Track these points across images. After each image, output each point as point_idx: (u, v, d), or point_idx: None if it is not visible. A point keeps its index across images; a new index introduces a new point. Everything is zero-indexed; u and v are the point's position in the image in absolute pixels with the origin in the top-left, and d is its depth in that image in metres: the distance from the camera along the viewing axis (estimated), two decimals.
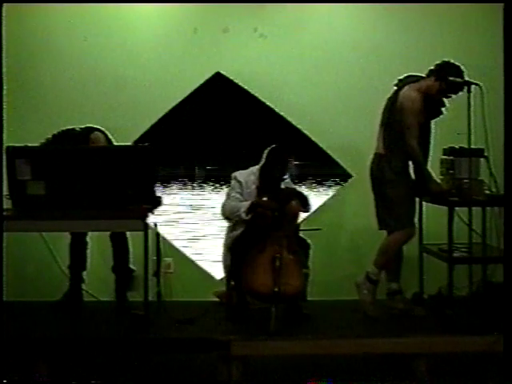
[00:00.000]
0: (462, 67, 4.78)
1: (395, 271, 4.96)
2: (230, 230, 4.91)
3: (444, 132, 5.08)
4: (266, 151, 4.86)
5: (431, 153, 5.08)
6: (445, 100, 4.93)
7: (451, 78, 4.75)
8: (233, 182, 4.91)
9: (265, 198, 4.67)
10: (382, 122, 4.98)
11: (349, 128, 5.61)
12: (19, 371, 4.14)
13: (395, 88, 4.96)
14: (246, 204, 4.73)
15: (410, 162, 4.92)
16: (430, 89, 4.84)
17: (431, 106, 4.89)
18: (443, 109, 4.95)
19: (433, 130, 5.03)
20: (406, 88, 4.88)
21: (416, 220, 5.02)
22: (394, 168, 4.87)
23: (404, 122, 4.80)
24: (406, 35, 5.71)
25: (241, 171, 4.96)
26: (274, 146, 4.85)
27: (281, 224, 4.60)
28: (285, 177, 4.83)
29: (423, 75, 4.93)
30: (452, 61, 4.80)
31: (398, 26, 5.73)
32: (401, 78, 5.00)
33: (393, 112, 4.89)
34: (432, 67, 4.88)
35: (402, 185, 4.86)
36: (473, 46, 5.66)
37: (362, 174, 5.08)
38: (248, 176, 4.90)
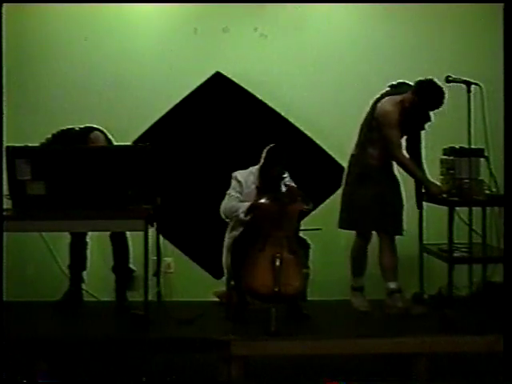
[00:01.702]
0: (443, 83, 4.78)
1: (391, 271, 4.96)
2: (230, 230, 4.91)
3: (444, 132, 5.08)
4: (264, 151, 4.86)
5: (430, 153, 5.11)
6: (431, 114, 4.93)
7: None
8: (233, 181, 4.91)
9: (263, 200, 4.66)
10: (360, 125, 5.03)
11: (349, 128, 5.59)
12: (19, 371, 4.15)
13: (378, 96, 4.98)
14: (246, 205, 4.73)
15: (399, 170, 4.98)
16: (407, 102, 4.86)
17: (411, 118, 4.89)
18: (428, 123, 4.96)
19: (432, 133, 5.05)
20: (385, 100, 4.93)
21: (414, 222, 5.05)
22: (354, 171, 4.98)
23: (384, 136, 4.86)
24: (405, 35, 5.71)
25: (240, 171, 4.96)
26: (272, 145, 4.84)
27: (281, 224, 4.59)
28: (284, 176, 4.82)
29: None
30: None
31: (397, 27, 5.73)
32: (395, 83, 5.02)
33: (369, 119, 4.95)
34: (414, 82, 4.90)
35: (362, 188, 4.92)
36: (473, 46, 5.67)
37: None
38: (248, 176, 4.91)
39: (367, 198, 4.90)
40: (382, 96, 4.97)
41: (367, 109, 5.07)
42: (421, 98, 4.79)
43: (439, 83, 4.78)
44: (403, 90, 4.94)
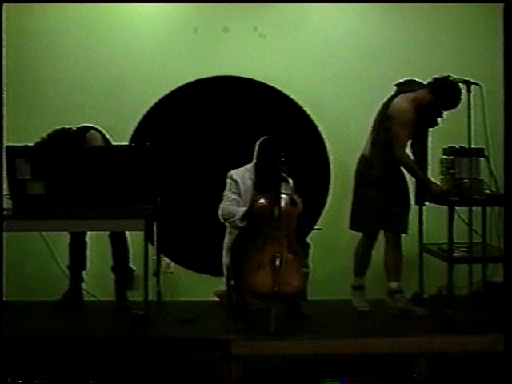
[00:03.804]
0: (460, 80, 4.74)
1: (395, 271, 4.96)
2: (230, 230, 4.91)
3: (444, 132, 5.08)
4: (256, 144, 4.86)
5: (431, 153, 5.11)
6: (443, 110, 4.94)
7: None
8: (229, 181, 4.90)
9: (262, 200, 4.65)
10: (373, 126, 5.01)
11: (349, 127, 5.61)
12: (19, 371, 4.15)
13: (391, 94, 4.97)
14: (241, 211, 4.73)
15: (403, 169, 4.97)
16: (423, 100, 4.85)
17: (426, 116, 4.89)
18: (439, 119, 4.95)
19: (432, 133, 5.05)
20: (400, 97, 4.90)
21: (414, 222, 5.05)
22: (372, 173, 4.94)
23: (392, 133, 4.83)
24: (405, 35, 5.72)
25: (236, 169, 4.95)
26: (263, 137, 4.84)
27: (280, 224, 4.58)
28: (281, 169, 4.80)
29: (425, 82, 4.92)
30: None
31: (397, 26, 5.73)
32: (402, 81, 5.01)
33: (383, 118, 4.92)
34: (430, 79, 4.88)
35: (377, 191, 4.90)
36: (473, 46, 5.67)
37: None
38: (243, 173, 4.90)
39: (383, 199, 4.89)
40: (395, 95, 4.94)
41: (366, 108, 5.08)
42: (439, 98, 4.79)
43: (454, 80, 4.76)
44: (412, 87, 4.93)
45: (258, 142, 4.85)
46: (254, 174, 4.84)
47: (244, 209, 4.72)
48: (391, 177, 4.95)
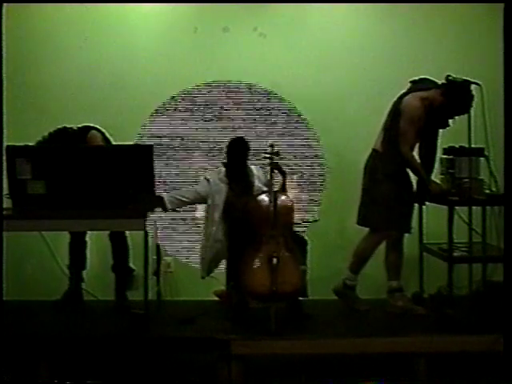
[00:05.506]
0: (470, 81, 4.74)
1: (395, 270, 4.97)
2: (205, 228, 4.99)
3: (444, 131, 5.08)
4: (226, 145, 4.99)
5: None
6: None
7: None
8: (201, 179, 5.03)
9: (258, 199, 4.66)
10: (385, 122, 5.00)
11: (348, 127, 5.62)
12: (19, 371, 4.15)
13: (404, 91, 4.96)
14: (168, 196, 4.90)
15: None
16: (434, 101, 4.85)
17: (437, 116, 4.89)
18: (451, 121, 4.95)
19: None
20: (411, 95, 4.89)
21: (414, 222, 5.05)
22: (386, 168, 4.91)
23: (400, 128, 4.83)
24: (406, 35, 5.73)
25: (212, 171, 5.11)
26: (233, 138, 5.01)
27: (276, 223, 4.58)
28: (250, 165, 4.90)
29: (438, 82, 4.92)
30: (465, 79, 4.75)
31: (397, 26, 5.74)
32: (416, 79, 5.00)
33: (395, 115, 4.91)
34: (444, 81, 4.86)
35: (390, 186, 4.88)
36: (473, 46, 5.68)
37: (361, 173, 5.07)
38: (218, 174, 4.99)
39: (393, 196, 4.87)
40: (408, 92, 4.94)
41: (366, 107, 5.07)
42: (451, 101, 4.78)
43: (469, 83, 4.73)
44: (426, 85, 4.92)
45: (227, 144, 4.99)
46: (226, 174, 4.93)
47: (170, 198, 4.87)
48: (402, 174, 4.94)
